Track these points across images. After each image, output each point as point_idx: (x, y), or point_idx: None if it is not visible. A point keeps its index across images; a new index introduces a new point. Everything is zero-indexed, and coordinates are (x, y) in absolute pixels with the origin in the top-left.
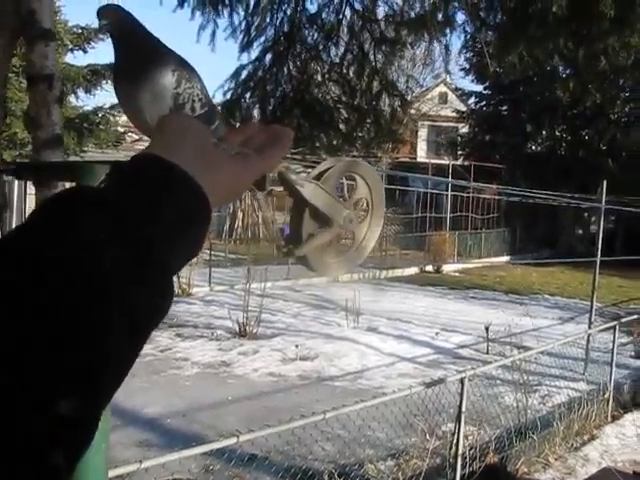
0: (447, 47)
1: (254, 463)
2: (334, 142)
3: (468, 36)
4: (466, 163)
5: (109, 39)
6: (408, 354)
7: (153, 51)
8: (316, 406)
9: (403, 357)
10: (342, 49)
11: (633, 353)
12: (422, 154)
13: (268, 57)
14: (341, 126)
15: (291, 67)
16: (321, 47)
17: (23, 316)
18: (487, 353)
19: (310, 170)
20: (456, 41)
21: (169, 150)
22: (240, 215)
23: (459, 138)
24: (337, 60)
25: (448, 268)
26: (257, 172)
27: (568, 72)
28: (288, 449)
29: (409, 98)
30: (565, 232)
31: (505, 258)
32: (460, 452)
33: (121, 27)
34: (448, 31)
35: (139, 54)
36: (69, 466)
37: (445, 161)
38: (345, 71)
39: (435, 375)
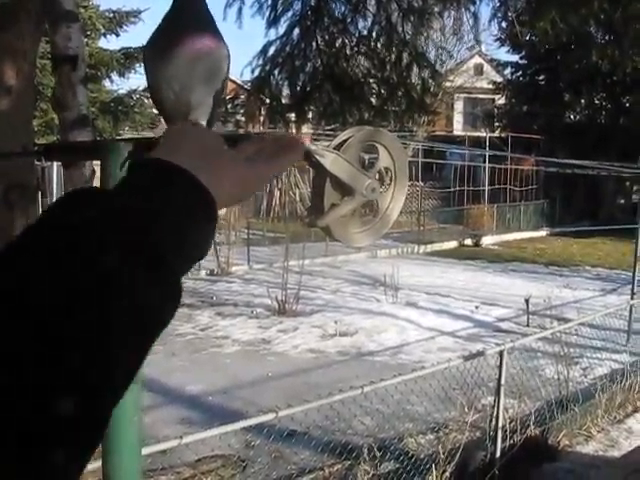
0: (476, 15)
1: (293, 438)
2: (366, 116)
3: (498, 4)
4: (503, 135)
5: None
6: (448, 328)
7: (215, 28)
8: (356, 381)
9: (443, 331)
10: (370, 21)
11: None
12: (458, 127)
13: (296, 32)
14: (372, 100)
15: (319, 41)
16: (349, 20)
17: (29, 316)
18: (527, 326)
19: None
20: (486, 10)
21: (172, 153)
22: (277, 193)
23: (496, 110)
24: (365, 32)
25: (487, 241)
26: (264, 176)
27: (606, 38)
28: (327, 424)
29: (441, 70)
30: (606, 202)
31: (545, 230)
32: (500, 425)
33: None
34: None
35: (203, 27)
36: (74, 465)
37: (482, 133)
38: (374, 44)
39: (475, 349)
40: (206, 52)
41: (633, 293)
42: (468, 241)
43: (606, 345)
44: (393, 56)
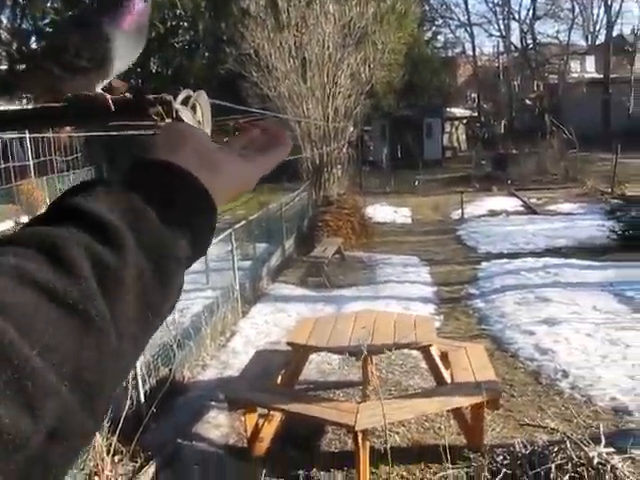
0: None
1: None
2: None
3: None
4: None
5: None
6: None
7: None
8: None
9: None
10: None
11: (240, 257)
12: None
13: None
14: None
15: None
16: None
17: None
18: None
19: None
20: None
21: (172, 153)
22: None
23: None
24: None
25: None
26: (258, 171)
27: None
28: None
29: None
30: None
31: None
32: (139, 373)
33: None
34: None
35: None
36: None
37: None
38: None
39: None
40: (145, 14)
41: None
42: (25, 219)
43: (192, 286)
44: None
